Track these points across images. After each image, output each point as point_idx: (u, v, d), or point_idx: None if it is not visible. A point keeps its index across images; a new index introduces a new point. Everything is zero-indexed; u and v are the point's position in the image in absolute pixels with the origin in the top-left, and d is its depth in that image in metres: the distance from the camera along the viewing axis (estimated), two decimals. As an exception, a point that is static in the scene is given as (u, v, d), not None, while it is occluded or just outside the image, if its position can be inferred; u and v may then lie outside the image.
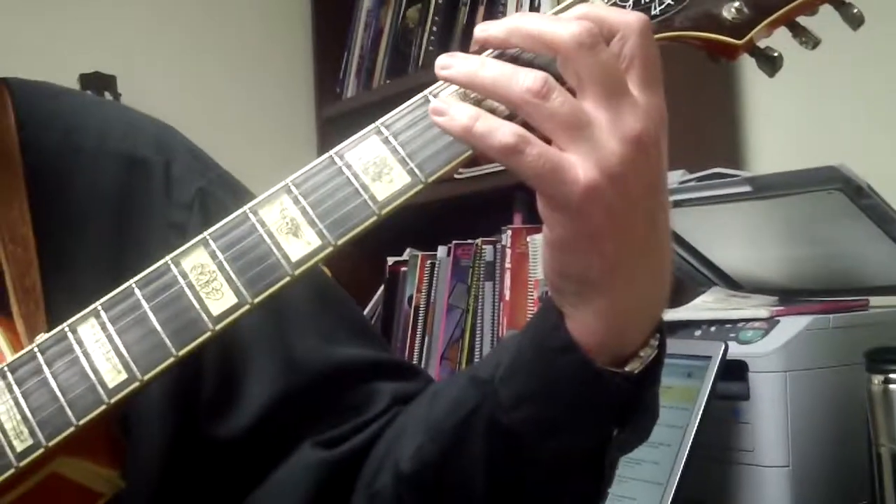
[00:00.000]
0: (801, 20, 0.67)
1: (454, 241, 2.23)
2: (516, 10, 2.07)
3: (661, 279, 0.65)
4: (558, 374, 0.64)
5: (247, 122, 2.68)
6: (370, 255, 2.40)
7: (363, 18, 2.66)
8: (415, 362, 2.26)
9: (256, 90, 2.73)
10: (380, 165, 0.62)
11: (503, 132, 0.59)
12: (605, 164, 0.58)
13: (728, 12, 0.64)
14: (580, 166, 0.58)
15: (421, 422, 0.74)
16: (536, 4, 2.01)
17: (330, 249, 0.62)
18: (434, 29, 2.33)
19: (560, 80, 0.60)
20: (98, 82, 2.42)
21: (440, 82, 0.64)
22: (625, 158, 0.59)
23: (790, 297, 1.48)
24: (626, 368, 0.64)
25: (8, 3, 2.28)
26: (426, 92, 0.64)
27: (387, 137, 0.63)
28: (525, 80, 0.59)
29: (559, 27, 0.59)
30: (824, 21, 0.68)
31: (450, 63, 0.62)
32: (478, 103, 0.62)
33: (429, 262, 2.29)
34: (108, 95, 2.43)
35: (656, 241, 0.63)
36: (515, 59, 0.63)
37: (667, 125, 0.62)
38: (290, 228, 0.62)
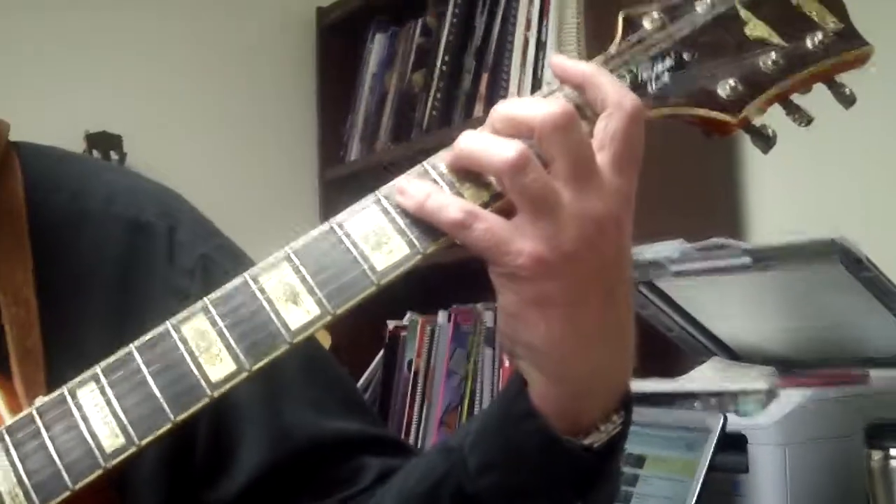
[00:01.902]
0: (795, 98, 0.68)
1: (454, 306, 2.23)
2: (519, 77, 2.10)
3: (620, 352, 0.66)
4: (520, 441, 0.65)
5: (250, 183, 2.70)
6: (370, 318, 2.40)
7: (368, 82, 2.69)
8: (413, 427, 2.25)
9: (260, 151, 2.75)
10: (379, 235, 0.63)
11: (452, 209, 0.61)
12: (557, 241, 0.60)
13: (723, 90, 0.66)
14: (530, 240, 0.60)
15: (395, 492, 0.74)
16: (539, 74, 2.04)
17: (329, 318, 0.62)
18: (438, 94, 2.35)
19: None
20: (104, 141, 2.45)
21: (439, 153, 0.65)
22: (579, 237, 0.60)
23: (789, 368, 1.48)
24: (587, 440, 0.65)
25: (15, 61, 2.31)
26: (425, 163, 0.65)
27: (386, 207, 0.63)
28: (502, 151, 0.61)
29: (535, 108, 0.61)
30: (822, 91, 0.69)
31: (453, 146, 0.65)
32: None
33: (429, 326, 2.29)
34: (113, 154, 2.45)
35: (614, 315, 0.64)
36: None
37: (633, 206, 0.63)
38: (289, 296, 0.62)
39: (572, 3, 1.97)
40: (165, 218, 0.87)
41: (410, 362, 2.33)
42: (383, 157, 2.53)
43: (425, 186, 0.63)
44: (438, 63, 2.37)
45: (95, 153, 2.41)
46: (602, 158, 0.62)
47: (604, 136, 0.62)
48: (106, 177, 0.92)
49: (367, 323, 2.39)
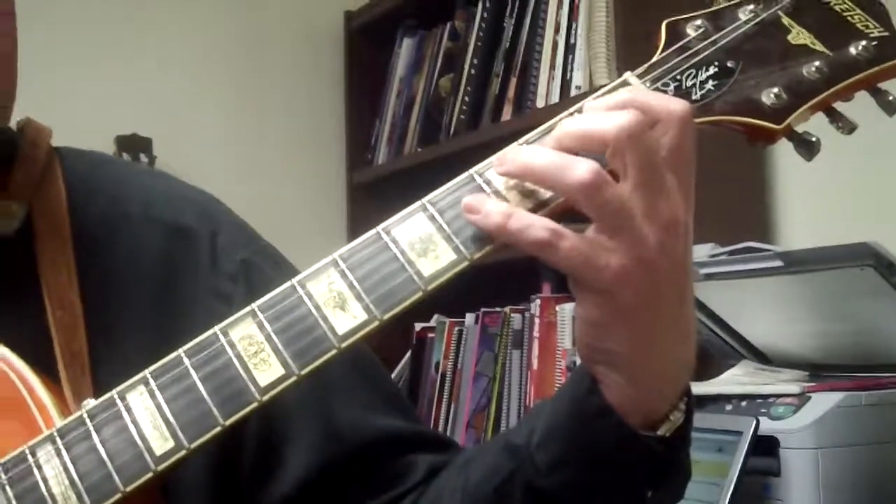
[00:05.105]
0: (838, 106, 0.68)
1: (482, 309, 2.23)
2: (548, 80, 2.10)
3: (688, 344, 0.67)
4: (595, 437, 0.66)
5: (278, 186, 2.72)
6: (398, 320, 2.40)
7: (396, 86, 2.70)
8: (440, 429, 2.25)
9: (289, 154, 2.77)
10: (426, 242, 0.63)
11: (536, 228, 0.61)
12: (639, 251, 0.61)
13: (767, 98, 0.66)
14: (613, 252, 0.61)
15: (457, 490, 0.75)
16: (568, 78, 2.04)
17: (376, 324, 0.63)
18: (466, 98, 2.36)
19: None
20: (134, 144, 2.47)
21: (485, 162, 0.65)
22: (657, 244, 0.61)
23: (820, 372, 1.48)
24: (659, 431, 0.66)
25: (47, 65, 2.33)
26: (472, 171, 0.65)
27: (432, 214, 0.64)
28: (578, 171, 0.61)
29: (607, 122, 0.61)
30: (859, 97, 0.69)
31: (504, 158, 0.64)
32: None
33: (456, 328, 2.30)
34: (143, 157, 2.47)
35: (683, 311, 0.65)
36: None
37: (693, 208, 0.64)
38: (337, 302, 0.63)
39: (602, 6, 1.97)
40: (206, 222, 0.87)
41: (438, 364, 2.33)
42: (411, 160, 2.54)
43: (502, 205, 0.63)
44: (466, 67, 2.38)
45: (125, 156, 2.43)
46: (665, 166, 0.62)
47: (662, 147, 0.62)
48: (144, 180, 0.93)
49: (395, 324, 2.39)
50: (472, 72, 2.36)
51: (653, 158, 0.61)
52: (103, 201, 0.87)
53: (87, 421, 0.66)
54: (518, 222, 0.62)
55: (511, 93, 2.23)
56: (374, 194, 2.69)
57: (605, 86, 0.67)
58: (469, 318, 2.27)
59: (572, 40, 2.05)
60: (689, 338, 0.67)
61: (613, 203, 0.61)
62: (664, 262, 0.62)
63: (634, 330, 0.63)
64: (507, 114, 2.24)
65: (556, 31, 2.10)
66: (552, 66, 2.10)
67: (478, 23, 2.37)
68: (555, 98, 2.08)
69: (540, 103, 2.12)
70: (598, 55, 1.95)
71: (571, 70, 2.04)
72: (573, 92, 2.02)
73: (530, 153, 0.63)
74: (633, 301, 0.62)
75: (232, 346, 0.64)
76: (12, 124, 0.87)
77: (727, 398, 1.38)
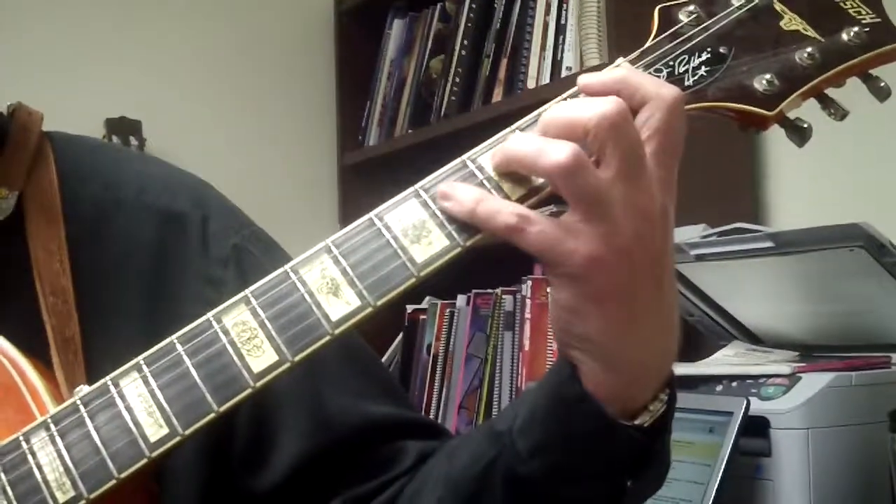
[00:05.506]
0: (830, 92, 0.69)
1: (474, 291, 2.24)
2: (538, 62, 2.10)
3: (667, 335, 0.67)
4: (573, 424, 0.66)
5: (269, 168, 2.71)
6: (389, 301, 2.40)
7: (386, 68, 2.69)
8: (432, 411, 2.26)
9: (279, 136, 2.76)
10: (419, 228, 0.64)
11: (505, 214, 0.62)
12: (614, 239, 0.61)
13: (760, 84, 0.66)
14: (585, 238, 0.61)
15: (441, 477, 0.75)
16: (559, 59, 2.04)
17: (369, 310, 0.63)
18: (457, 80, 2.35)
19: None
20: (124, 127, 2.46)
21: (479, 147, 0.65)
22: (633, 233, 0.62)
23: (811, 352, 1.48)
24: (637, 421, 0.66)
25: (36, 48, 2.32)
26: (465, 157, 0.65)
27: (426, 200, 0.64)
28: (556, 154, 0.61)
29: (587, 109, 0.61)
30: (850, 83, 0.70)
31: (496, 150, 0.65)
32: None
33: (448, 310, 2.30)
34: (133, 140, 2.47)
35: (661, 301, 0.65)
36: None
37: (675, 195, 0.64)
38: (330, 288, 0.63)
39: (593, -12, 1.97)
40: (198, 208, 0.87)
41: (430, 346, 2.34)
42: (402, 142, 2.54)
43: (474, 191, 0.63)
44: (457, 48, 2.37)
45: (115, 139, 2.43)
46: (647, 151, 0.62)
47: (646, 129, 0.62)
48: (137, 166, 0.93)
49: (386, 306, 2.39)
50: (463, 53, 2.35)
51: (634, 147, 0.61)
52: (96, 187, 0.87)
53: (81, 407, 0.66)
54: (487, 208, 0.62)
55: (502, 74, 2.22)
56: (365, 176, 2.69)
57: (596, 67, 0.67)
58: (461, 299, 2.27)
59: (563, 21, 2.04)
60: (670, 328, 0.67)
61: (590, 188, 0.61)
62: (640, 251, 0.62)
63: (607, 317, 0.63)
64: (497, 95, 2.23)
65: (547, 11, 2.09)
66: (543, 48, 2.09)
67: (468, 4, 2.36)
68: (545, 79, 2.07)
69: (531, 84, 2.11)
70: (589, 36, 1.95)
71: (562, 51, 2.04)
72: (564, 73, 2.02)
73: (515, 139, 0.64)
74: (605, 288, 0.62)
75: (226, 332, 0.65)
76: (2, 108, 0.87)
77: (718, 379, 1.38)
